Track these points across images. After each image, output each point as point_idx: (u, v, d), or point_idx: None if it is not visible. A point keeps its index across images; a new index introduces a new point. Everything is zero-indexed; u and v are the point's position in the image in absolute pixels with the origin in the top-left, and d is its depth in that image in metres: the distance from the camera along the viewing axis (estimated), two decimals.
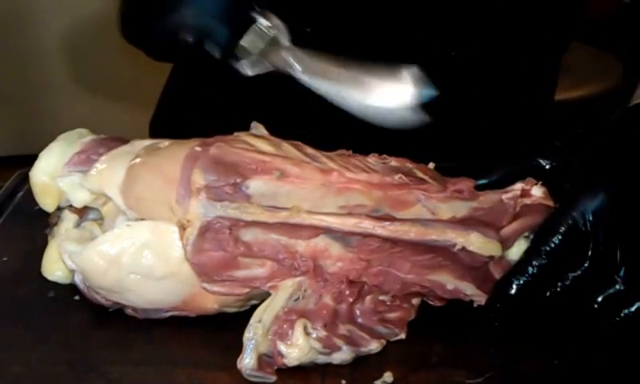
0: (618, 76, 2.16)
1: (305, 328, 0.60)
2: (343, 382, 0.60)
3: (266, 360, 0.60)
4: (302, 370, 0.60)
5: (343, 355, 0.61)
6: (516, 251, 0.64)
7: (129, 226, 0.63)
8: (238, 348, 0.60)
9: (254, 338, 0.60)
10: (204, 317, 0.65)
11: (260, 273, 0.62)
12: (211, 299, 0.64)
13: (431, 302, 0.66)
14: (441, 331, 0.64)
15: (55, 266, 0.69)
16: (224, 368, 0.60)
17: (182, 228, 0.61)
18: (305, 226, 0.61)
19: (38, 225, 0.73)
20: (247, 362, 0.59)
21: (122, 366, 0.61)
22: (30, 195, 0.72)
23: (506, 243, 0.63)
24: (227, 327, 0.64)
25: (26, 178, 0.75)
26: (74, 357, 0.62)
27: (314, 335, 0.60)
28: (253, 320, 0.61)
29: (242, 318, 0.62)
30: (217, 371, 0.60)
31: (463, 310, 0.65)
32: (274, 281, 0.62)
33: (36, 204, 0.71)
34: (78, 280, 0.66)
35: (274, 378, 0.60)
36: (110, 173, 0.65)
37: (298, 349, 0.60)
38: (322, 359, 0.61)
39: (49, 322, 0.66)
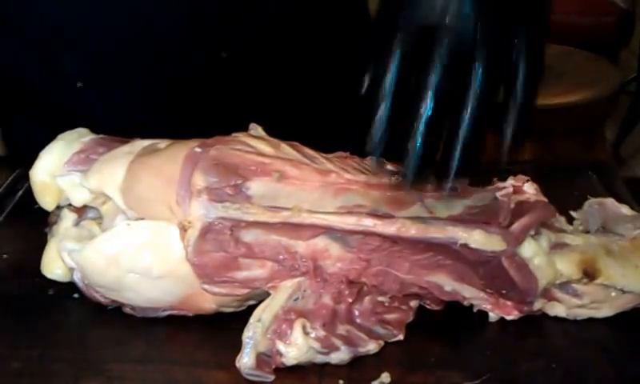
0: (614, 81, 2.17)
1: (304, 328, 0.60)
2: (341, 382, 0.60)
3: (264, 359, 0.60)
4: (299, 370, 0.60)
5: (341, 355, 0.61)
6: (527, 247, 0.64)
7: (128, 226, 0.64)
8: (237, 347, 0.60)
9: (253, 337, 0.60)
10: (202, 316, 0.65)
11: (260, 274, 0.63)
12: (209, 299, 0.64)
13: (428, 306, 0.66)
14: (438, 333, 0.64)
15: (54, 265, 0.69)
16: (222, 366, 0.61)
17: (183, 229, 0.62)
18: (306, 225, 0.62)
19: (37, 223, 0.73)
20: (246, 360, 0.59)
21: (120, 363, 0.61)
22: (29, 193, 0.72)
23: (517, 239, 0.63)
24: (226, 326, 0.64)
25: (25, 176, 0.75)
26: (73, 354, 0.62)
27: (313, 335, 0.61)
28: (252, 319, 0.61)
29: (240, 318, 0.63)
30: (215, 370, 0.61)
31: (461, 312, 0.66)
32: (274, 281, 0.62)
33: (35, 202, 0.71)
34: (76, 278, 0.66)
35: (272, 378, 0.60)
36: (110, 173, 0.66)
37: (296, 348, 0.60)
38: (320, 359, 0.61)
39: (48, 319, 0.66)
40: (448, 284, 0.64)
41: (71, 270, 0.67)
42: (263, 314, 0.61)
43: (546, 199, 0.68)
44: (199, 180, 0.62)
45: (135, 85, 0.84)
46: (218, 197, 0.62)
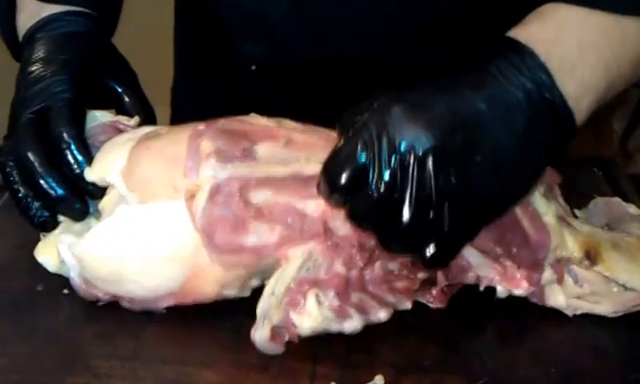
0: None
1: (317, 297, 0.60)
2: None
3: (278, 331, 0.60)
4: (291, 371, 0.60)
5: (354, 323, 0.61)
6: (539, 202, 0.64)
7: (129, 211, 0.62)
8: (227, 346, 0.60)
9: (267, 309, 0.59)
10: (192, 315, 0.64)
11: (269, 239, 0.61)
12: (211, 280, 0.62)
13: (431, 304, 0.65)
14: (434, 334, 0.63)
15: (49, 250, 0.67)
16: (212, 366, 0.60)
17: (191, 196, 0.61)
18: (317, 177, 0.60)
19: None
20: (261, 333, 0.59)
21: (109, 360, 0.60)
22: None
23: None
24: (215, 326, 0.63)
25: None
26: (61, 351, 0.61)
27: (327, 304, 0.60)
28: (265, 292, 0.61)
29: (230, 318, 0.62)
30: (204, 369, 0.60)
31: (458, 313, 0.65)
32: (283, 247, 0.61)
33: None
34: (74, 274, 0.65)
35: (283, 349, 0.60)
36: (111, 160, 0.65)
37: (311, 319, 0.60)
38: (334, 328, 0.60)
39: (37, 315, 0.65)
40: None
41: (66, 266, 0.65)
42: (276, 287, 0.60)
43: None
44: (207, 146, 0.62)
45: (302, 77, 0.86)
46: (227, 158, 0.61)
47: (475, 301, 0.66)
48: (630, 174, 0.93)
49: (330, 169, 0.56)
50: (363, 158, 0.55)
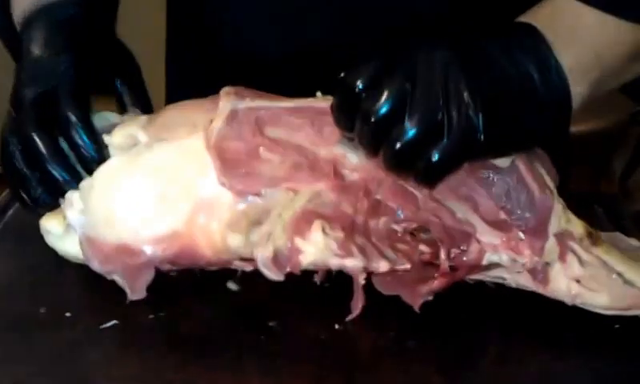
0: (624, 110, 2.16)
1: (323, 229, 0.61)
2: None
3: (281, 259, 0.61)
4: None
5: (355, 262, 0.61)
6: (543, 175, 0.65)
7: (139, 150, 0.64)
8: (231, 370, 0.60)
9: (273, 230, 0.60)
10: (195, 341, 0.64)
11: (279, 172, 0.62)
12: (216, 219, 0.62)
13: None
14: (434, 359, 0.63)
15: (54, 217, 0.67)
16: None
17: (209, 125, 0.62)
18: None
19: (28, 241, 0.72)
20: (263, 252, 0.60)
21: (112, 382, 0.60)
22: (20, 212, 0.72)
23: None
24: (219, 350, 0.63)
25: None
26: (63, 373, 0.61)
27: (332, 235, 0.61)
28: (272, 216, 0.61)
29: (233, 341, 0.63)
30: None
31: (457, 339, 0.65)
32: (292, 183, 0.62)
33: (26, 221, 0.70)
34: (78, 234, 0.65)
35: (282, 278, 0.61)
36: (133, 121, 0.67)
37: (314, 246, 0.60)
38: (335, 262, 0.61)
39: (39, 337, 0.65)
40: (460, 210, 0.63)
41: (71, 230, 0.65)
42: (284, 211, 0.61)
43: None
44: (228, 89, 0.64)
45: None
46: (245, 95, 0.64)
47: (476, 325, 0.66)
48: (630, 212, 0.93)
49: (345, 79, 0.58)
50: (377, 66, 0.58)
